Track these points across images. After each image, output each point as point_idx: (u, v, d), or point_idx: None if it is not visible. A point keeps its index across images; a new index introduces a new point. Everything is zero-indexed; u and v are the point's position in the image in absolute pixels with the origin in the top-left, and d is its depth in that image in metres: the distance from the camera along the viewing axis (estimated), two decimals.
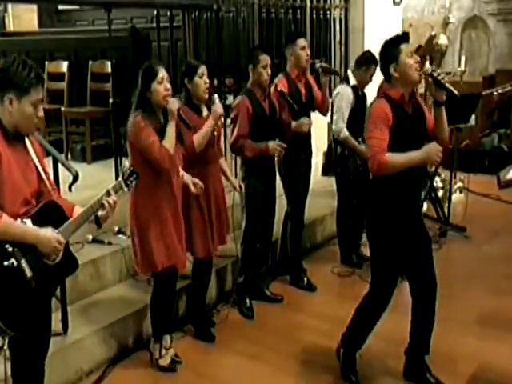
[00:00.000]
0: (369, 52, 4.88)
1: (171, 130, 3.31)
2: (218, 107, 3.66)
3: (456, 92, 3.15)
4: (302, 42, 4.44)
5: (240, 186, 4.07)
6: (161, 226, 3.37)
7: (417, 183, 3.25)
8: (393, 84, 3.10)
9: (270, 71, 4.08)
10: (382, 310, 3.33)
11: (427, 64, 3.40)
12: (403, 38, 3.13)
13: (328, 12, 7.05)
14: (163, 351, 3.59)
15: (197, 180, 3.56)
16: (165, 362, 3.58)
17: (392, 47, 3.09)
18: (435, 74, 3.12)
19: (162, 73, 3.28)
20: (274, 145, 4.06)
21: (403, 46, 3.07)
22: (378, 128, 3.02)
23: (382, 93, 3.16)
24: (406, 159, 2.99)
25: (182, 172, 3.52)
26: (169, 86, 3.30)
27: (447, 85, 3.11)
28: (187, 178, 3.54)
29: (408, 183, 3.12)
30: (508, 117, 8.62)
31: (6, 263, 2.34)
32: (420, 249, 3.25)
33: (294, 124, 4.32)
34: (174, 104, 3.31)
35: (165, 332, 3.65)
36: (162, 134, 3.30)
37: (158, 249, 3.37)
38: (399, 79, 3.07)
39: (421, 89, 5.12)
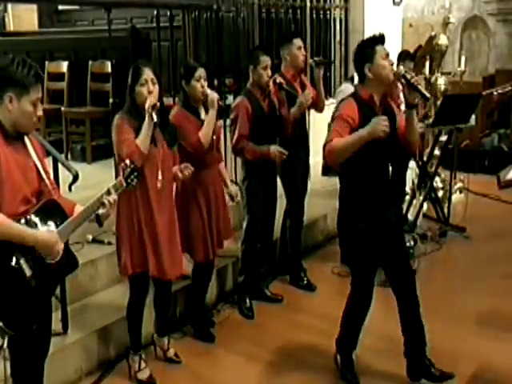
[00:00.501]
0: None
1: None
2: (211, 94, 3.61)
3: (428, 95, 3.21)
4: (298, 41, 4.43)
5: (233, 196, 4.04)
6: (135, 231, 3.26)
7: (383, 182, 3.24)
8: (365, 84, 3.15)
9: (270, 72, 4.07)
10: (367, 307, 3.36)
11: (401, 66, 3.42)
12: (379, 39, 3.17)
13: (328, 12, 7.05)
14: (142, 364, 3.49)
15: (184, 164, 3.41)
16: (143, 375, 3.48)
17: (367, 48, 3.13)
18: (408, 76, 3.14)
19: (146, 74, 3.18)
20: (275, 150, 4.05)
21: (378, 48, 3.11)
22: (339, 124, 3.05)
23: (351, 93, 3.21)
24: (351, 136, 3.00)
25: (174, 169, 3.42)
26: (152, 87, 3.18)
27: (420, 87, 3.14)
28: (176, 168, 3.41)
29: (374, 181, 3.14)
30: (508, 117, 8.62)
31: (5, 263, 2.34)
32: (391, 240, 3.25)
33: (294, 109, 4.25)
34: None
35: (163, 334, 3.65)
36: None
37: (127, 254, 3.27)
38: (373, 80, 3.11)
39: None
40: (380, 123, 2.95)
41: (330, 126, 3.23)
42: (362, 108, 3.08)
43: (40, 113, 2.44)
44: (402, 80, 3.18)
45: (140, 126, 3.16)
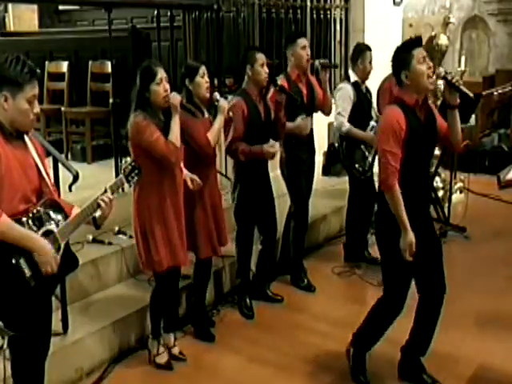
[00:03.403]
0: (357, 44, 4.98)
1: (176, 125, 3.31)
2: (222, 102, 3.68)
3: (471, 94, 3.08)
4: (302, 41, 4.44)
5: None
6: (164, 224, 3.37)
7: (423, 186, 3.20)
8: (405, 89, 3.03)
9: (267, 69, 4.04)
10: (396, 314, 3.27)
11: (441, 68, 3.28)
12: (416, 42, 3.04)
13: (328, 12, 7.05)
14: (161, 349, 3.61)
15: (195, 176, 3.56)
16: (162, 359, 3.60)
17: (404, 52, 3.01)
18: (449, 77, 3.03)
19: (161, 74, 3.27)
20: (267, 148, 4.00)
21: (415, 52, 2.98)
22: (391, 141, 2.96)
23: (394, 97, 3.08)
24: (401, 213, 2.98)
25: (183, 169, 3.52)
26: (168, 86, 3.29)
27: (462, 87, 3.04)
28: (186, 174, 3.55)
29: (415, 186, 3.07)
30: (508, 117, 8.63)
31: (5, 262, 2.34)
32: (430, 251, 3.19)
33: (291, 125, 4.28)
34: (175, 98, 3.31)
35: (170, 330, 3.69)
36: (164, 132, 3.29)
37: (163, 248, 3.37)
38: (411, 86, 3.00)
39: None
40: (412, 249, 2.97)
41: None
42: (409, 117, 2.98)
43: (37, 110, 2.42)
44: (443, 81, 3.10)
45: (163, 125, 3.29)
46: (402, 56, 3.02)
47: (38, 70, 2.44)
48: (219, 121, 3.67)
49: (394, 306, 3.25)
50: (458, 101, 3.09)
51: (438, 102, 5.84)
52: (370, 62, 4.79)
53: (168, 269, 3.43)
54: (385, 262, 3.27)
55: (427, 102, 3.14)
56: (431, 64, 3.04)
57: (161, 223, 3.37)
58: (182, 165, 3.51)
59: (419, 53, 2.99)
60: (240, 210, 4.14)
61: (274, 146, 4.04)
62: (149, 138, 3.23)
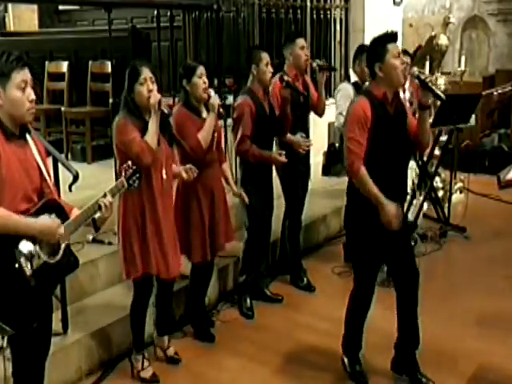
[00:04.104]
0: (359, 45, 5.01)
1: (153, 126, 3.14)
2: (214, 99, 3.61)
3: (443, 96, 3.16)
4: (301, 41, 4.45)
5: (244, 196, 4.02)
6: (141, 231, 3.26)
7: (395, 178, 3.20)
8: (377, 82, 3.10)
9: (271, 69, 4.08)
10: (368, 304, 3.35)
11: (414, 67, 3.36)
12: (391, 37, 3.10)
13: (328, 12, 7.05)
14: (145, 363, 3.49)
15: (189, 165, 3.46)
16: (147, 373, 3.48)
17: (379, 46, 3.08)
18: (422, 77, 3.11)
19: (145, 74, 3.17)
20: (277, 157, 4.06)
21: (390, 46, 3.05)
22: (357, 129, 3.05)
23: (364, 90, 3.16)
24: (371, 191, 3.04)
25: (175, 166, 3.44)
26: (152, 86, 3.17)
27: (434, 88, 3.11)
28: (180, 168, 3.44)
29: (383, 175, 3.10)
30: (508, 117, 8.63)
31: (5, 261, 2.34)
32: (398, 239, 3.21)
33: (291, 138, 4.32)
34: (155, 98, 3.17)
35: (164, 333, 3.66)
36: (145, 133, 3.19)
37: (138, 255, 3.26)
38: (384, 79, 3.06)
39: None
40: (394, 216, 3.01)
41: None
42: (376, 107, 3.05)
43: (32, 96, 2.39)
44: (416, 81, 3.14)
45: (143, 126, 3.17)
46: (377, 49, 3.08)
47: (24, 57, 2.41)
48: (210, 119, 3.61)
49: (365, 297, 3.33)
50: (430, 102, 3.15)
51: (438, 102, 5.83)
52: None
53: (143, 276, 3.31)
54: (353, 252, 3.36)
55: (399, 96, 3.20)
56: (405, 60, 3.14)
57: (137, 230, 3.25)
58: (174, 166, 3.42)
59: (394, 48, 3.06)
60: (251, 210, 4.14)
61: (282, 156, 4.06)
62: (124, 138, 3.16)
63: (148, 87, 3.16)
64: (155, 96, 3.15)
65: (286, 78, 4.21)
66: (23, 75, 2.36)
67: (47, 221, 2.42)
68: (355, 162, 3.06)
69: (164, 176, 3.27)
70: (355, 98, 3.22)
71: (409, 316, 3.32)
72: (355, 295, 3.38)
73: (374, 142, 3.05)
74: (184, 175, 3.42)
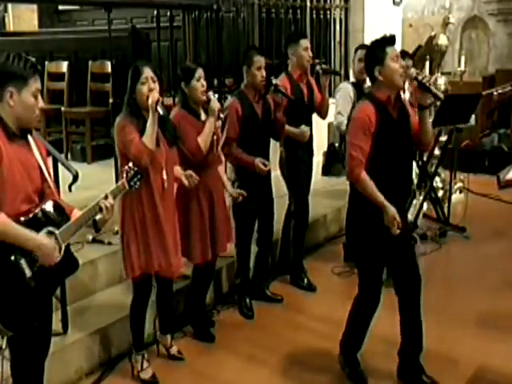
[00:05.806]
0: (359, 45, 5.02)
1: (150, 126, 3.13)
2: (214, 103, 3.57)
3: (441, 95, 3.18)
4: (305, 42, 4.44)
5: (236, 197, 3.95)
6: (139, 231, 3.26)
7: (399, 182, 3.20)
8: (378, 86, 3.10)
9: (264, 73, 3.98)
10: (374, 309, 3.33)
11: (412, 68, 3.38)
12: (389, 40, 3.11)
13: (328, 12, 7.06)
14: (145, 364, 3.48)
15: (190, 172, 3.44)
16: (146, 374, 3.47)
17: (378, 49, 3.08)
18: (420, 78, 3.12)
19: (146, 73, 3.17)
20: (259, 163, 3.96)
21: (389, 49, 3.05)
22: (360, 135, 3.04)
23: (367, 93, 3.16)
24: (373, 195, 3.04)
25: (176, 169, 3.43)
26: (153, 85, 3.17)
27: (432, 88, 3.12)
28: (181, 173, 3.43)
29: (386, 180, 3.09)
30: (508, 117, 8.63)
31: (5, 263, 2.34)
32: (401, 245, 3.21)
33: (294, 130, 4.31)
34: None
35: (166, 332, 3.66)
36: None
37: (135, 255, 3.26)
38: (383, 82, 3.06)
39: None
40: (393, 222, 3.00)
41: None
42: (380, 112, 3.04)
43: (41, 104, 2.44)
44: (414, 82, 3.16)
45: (143, 127, 3.16)
46: (376, 52, 3.09)
47: (38, 64, 2.45)
48: (210, 123, 3.56)
49: (371, 301, 3.31)
50: (429, 102, 3.15)
51: (438, 102, 5.83)
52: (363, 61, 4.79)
53: (141, 276, 3.32)
54: (358, 257, 3.34)
55: (400, 98, 3.20)
56: (404, 63, 3.13)
57: (135, 230, 3.25)
58: (176, 168, 3.41)
59: (393, 51, 3.07)
60: (239, 210, 4.11)
61: (266, 165, 3.99)
62: (123, 138, 3.15)
63: (149, 86, 3.16)
64: (153, 96, 3.13)
65: (279, 82, 4.19)
66: (37, 83, 2.42)
67: (48, 243, 2.42)
68: (355, 170, 3.07)
69: (164, 177, 3.26)
70: (359, 102, 3.21)
71: (413, 320, 3.30)
72: (360, 299, 3.35)
73: (378, 146, 3.05)
74: (185, 182, 3.41)
